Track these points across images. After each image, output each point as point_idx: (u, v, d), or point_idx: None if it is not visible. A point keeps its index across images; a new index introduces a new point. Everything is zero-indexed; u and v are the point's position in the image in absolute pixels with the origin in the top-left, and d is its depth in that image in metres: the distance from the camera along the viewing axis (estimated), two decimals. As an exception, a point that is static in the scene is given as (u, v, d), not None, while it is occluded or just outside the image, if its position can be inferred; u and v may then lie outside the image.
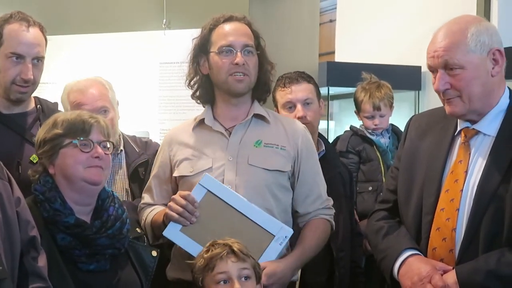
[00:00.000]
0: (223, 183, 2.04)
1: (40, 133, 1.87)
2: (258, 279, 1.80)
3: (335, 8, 6.29)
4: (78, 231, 1.77)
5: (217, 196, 1.98)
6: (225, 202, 1.98)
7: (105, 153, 1.84)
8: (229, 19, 2.14)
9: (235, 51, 2.07)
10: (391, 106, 3.20)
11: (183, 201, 1.94)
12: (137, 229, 2.00)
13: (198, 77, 2.18)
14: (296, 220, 2.14)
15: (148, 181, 2.24)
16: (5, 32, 2.18)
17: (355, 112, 3.33)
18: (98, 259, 1.79)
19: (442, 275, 1.69)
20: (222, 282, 1.71)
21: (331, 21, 6.34)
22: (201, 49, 2.15)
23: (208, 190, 1.97)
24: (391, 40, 5.13)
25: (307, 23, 3.90)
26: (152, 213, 2.12)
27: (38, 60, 2.23)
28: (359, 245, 2.78)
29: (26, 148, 2.18)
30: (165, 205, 2.11)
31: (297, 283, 2.37)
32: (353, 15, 5.84)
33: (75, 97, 2.40)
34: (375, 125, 3.15)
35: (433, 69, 1.78)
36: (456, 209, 1.74)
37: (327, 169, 2.38)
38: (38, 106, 2.27)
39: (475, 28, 1.74)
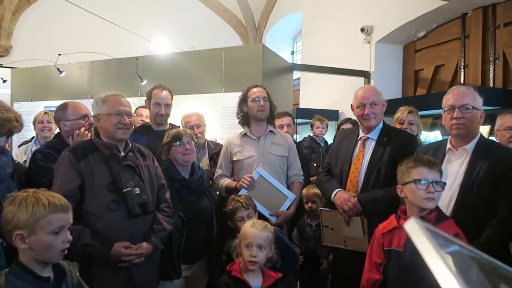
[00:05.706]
0: (257, 165, 2.08)
1: (163, 140, 1.98)
2: (255, 211, 1.85)
3: (299, 83, 6.37)
4: (183, 182, 1.88)
5: (263, 177, 2.04)
6: (267, 180, 2.04)
7: (190, 147, 1.90)
8: (256, 86, 2.22)
9: (259, 100, 2.16)
10: (326, 127, 3.44)
11: (249, 179, 2.02)
12: (210, 181, 2.13)
13: (241, 113, 2.23)
14: (286, 181, 2.20)
15: (219, 163, 2.25)
16: (153, 93, 2.35)
17: (311, 129, 3.56)
18: (192, 194, 1.88)
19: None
20: (240, 219, 1.80)
21: (297, 90, 6.40)
22: (243, 99, 2.22)
23: (260, 174, 2.04)
24: (324, 98, 5.22)
25: (288, 90, 4.02)
26: (225, 182, 2.15)
27: (167, 106, 2.36)
28: None
29: None
30: (231, 176, 2.16)
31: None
32: (306, 89, 5.96)
33: (186, 119, 2.50)
34: (320, 132, 3.45)
35: (363, 106, 1.83)
36: (358, 172, 1.85)
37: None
38: (170, 127, 2.36)
39: (378, 89, 1.91)
